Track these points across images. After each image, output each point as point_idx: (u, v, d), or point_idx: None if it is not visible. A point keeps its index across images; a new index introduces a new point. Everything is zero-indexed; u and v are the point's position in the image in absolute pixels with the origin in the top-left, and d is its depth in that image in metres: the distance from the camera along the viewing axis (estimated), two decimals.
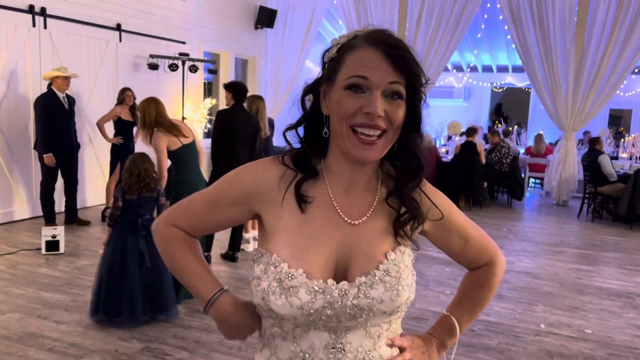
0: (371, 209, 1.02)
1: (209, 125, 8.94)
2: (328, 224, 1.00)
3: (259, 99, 5.45)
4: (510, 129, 11.81)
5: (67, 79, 5.71)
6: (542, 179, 10.03)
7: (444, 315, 1.17)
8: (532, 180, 10.51)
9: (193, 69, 8.08)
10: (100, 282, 3.52)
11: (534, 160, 9.77)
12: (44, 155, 5.61)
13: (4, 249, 5.08)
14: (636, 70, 12.35)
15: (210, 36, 9.12)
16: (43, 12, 6.20)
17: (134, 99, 6.38)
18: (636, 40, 8.26)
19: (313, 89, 1.03)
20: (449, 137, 11.79)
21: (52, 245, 4.97)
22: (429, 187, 1.09)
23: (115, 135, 6.36)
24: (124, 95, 6.35)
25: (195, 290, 1.07)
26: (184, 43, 8.42)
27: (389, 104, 0.93)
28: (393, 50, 0.92)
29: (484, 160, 8.26)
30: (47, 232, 4.97)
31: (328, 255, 0.98)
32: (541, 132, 10.32)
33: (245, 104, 4.93)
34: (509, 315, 3.98)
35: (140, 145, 5.39)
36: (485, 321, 3.82)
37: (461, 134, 10.72)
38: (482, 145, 8.55)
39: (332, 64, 0.97)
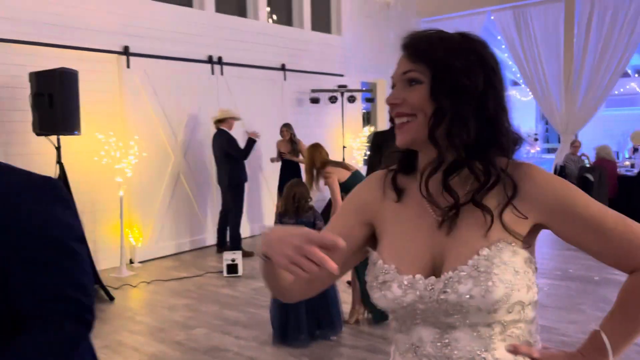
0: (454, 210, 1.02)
1: (368, 152, 9.15)
2: (421, 219, 1.04)
3: None
4: None
5: (236, 120, 6.47)
6: None
7: (594, 331, 1.00)
8: None
9: (351, 100, 8.41)
10: (273, 304, 3.78)
11: None
12: (252, 134, 6.43)
13: (193, 271, 5.73)
14: None
15: (367, 66, 9.42)
16: (220, 60, 7.00)
17: (289, 133, 7.09)
18: None
19: None
20: (635, 149, 10.50)
21: (232, 269, 5.48)
22: (537, 171, 1.00)
23: (281, 167, 7.12)
24: (280, 130, 7.17)
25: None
26: (342, 75, 8.81)
27: (407, 91, 1.01)
28: (409, 42, 1.02)
29: None
30: (228, 257, 5.51)
31: (421, 251, 1.02)
32: None
33: None
34: None
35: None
36: None
37: None
38: None
39: None
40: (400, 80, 1.02)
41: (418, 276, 0.99)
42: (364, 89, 9.35)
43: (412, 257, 1.02)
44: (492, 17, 9.73)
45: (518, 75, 10.95)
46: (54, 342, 1.03)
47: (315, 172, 4.27)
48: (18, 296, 1.02)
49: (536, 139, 12.82)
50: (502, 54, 11.78)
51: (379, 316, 3.99)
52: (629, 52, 8.51)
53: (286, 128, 7.09)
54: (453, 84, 0.97)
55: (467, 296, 0.94)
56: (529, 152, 12.79)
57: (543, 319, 3.95)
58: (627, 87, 12.96)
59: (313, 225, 3.79)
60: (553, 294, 4.63)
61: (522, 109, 13.74)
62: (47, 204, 1.07)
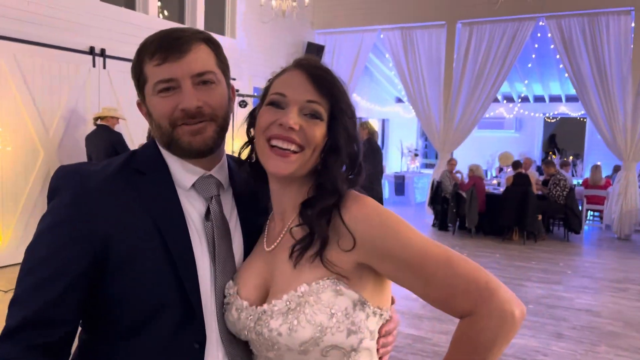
0: (280, 236, 0.99)
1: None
2: (260, 244, 1.02)
3: None
4: (566, 159, 11.40)
5: (117, 119, 6.11)
6: (601, 211, 9.57)
7: None
8: (590, 212, 10.05)
9: (243, 104, 8.28)
10: None
11: (592, 192, 9.35)
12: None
13: None
14: None
15: (260, 72, 9.36)
16: (102, 53, 6.54)
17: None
18: None
19: (252, 118, 1.05)
20: (501, 169, 11.51)
21: None
22: (358, 205, 0.92)
23: None
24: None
25: None
26: (234, 79, 8.65)
27: (306, 121, 0.93)
28: (316, 71, 0.94)
29: (535, 192, 7.97)
30: None
31: (255, 277, 0.98)
32: (599, 163, 9.91)
33: None
34: (570, 356, 3.73)
35: None
36: None
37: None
38: (535, 176, 8.24)
39: (264, 91, 1.01)
40: (298, 104, 0.94)
41: (246, 303, 0.94)
42: (256, 94, 9.25)
43: (248, 282, 0.97)
44: (382, 36, 10.15)
45: (403, 93, 11.52)
46: None
47: None
48: None
49: (416, 154, 13.57)
50: (390, 72, 12.35)
51: None
52: (500, 80, 9.31)
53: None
54: (344, 126, 0.96)
55: (276, 333, 0.88)
56: (409, 166, 13.50)
57: (417, 329, 4.14)
58: (497, 111, 14.19)
59: None
60: (427, 305, 4.85)
61: (405, 125, 14.50)
62: None
